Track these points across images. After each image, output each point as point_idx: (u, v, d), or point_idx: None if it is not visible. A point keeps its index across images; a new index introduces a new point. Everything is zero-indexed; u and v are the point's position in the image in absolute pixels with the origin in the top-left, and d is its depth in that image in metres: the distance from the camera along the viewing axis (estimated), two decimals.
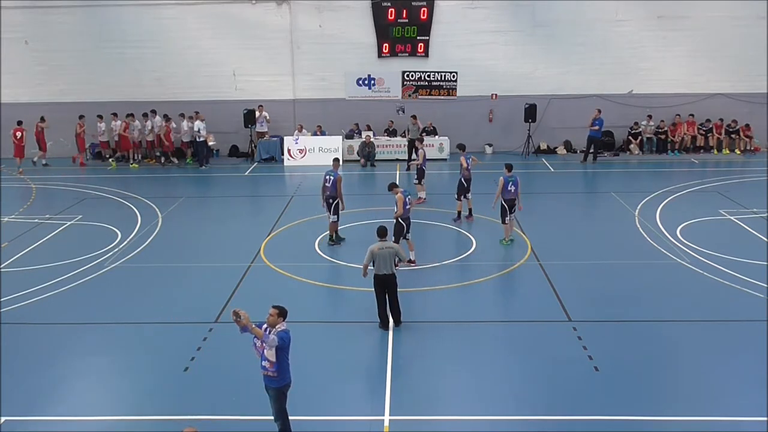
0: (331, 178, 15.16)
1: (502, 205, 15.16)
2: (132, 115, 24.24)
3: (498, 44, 24.88)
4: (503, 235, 15.39)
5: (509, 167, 15.26)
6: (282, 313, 7.87)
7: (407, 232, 14.04)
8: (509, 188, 15.01)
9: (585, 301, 12.26)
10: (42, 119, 24.24)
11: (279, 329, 7.78)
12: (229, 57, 25.09)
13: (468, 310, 12.17)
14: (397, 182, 21.21)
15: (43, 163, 24.32)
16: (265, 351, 7.77)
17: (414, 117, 23.98)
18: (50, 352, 10.70)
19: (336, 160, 15.88)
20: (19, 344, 10.94)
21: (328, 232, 15.54)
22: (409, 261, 13.68)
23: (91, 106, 25.12)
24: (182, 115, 24.43)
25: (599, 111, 23.71)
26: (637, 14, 24.43)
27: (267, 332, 7.74)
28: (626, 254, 14.56)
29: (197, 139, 23.88)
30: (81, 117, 24.39)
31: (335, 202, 15.08)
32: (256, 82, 25.35)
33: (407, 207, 13.99)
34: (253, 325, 7.61)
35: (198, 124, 23.69)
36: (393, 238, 13.72)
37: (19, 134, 23.49)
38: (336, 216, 15.18)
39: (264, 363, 7.86)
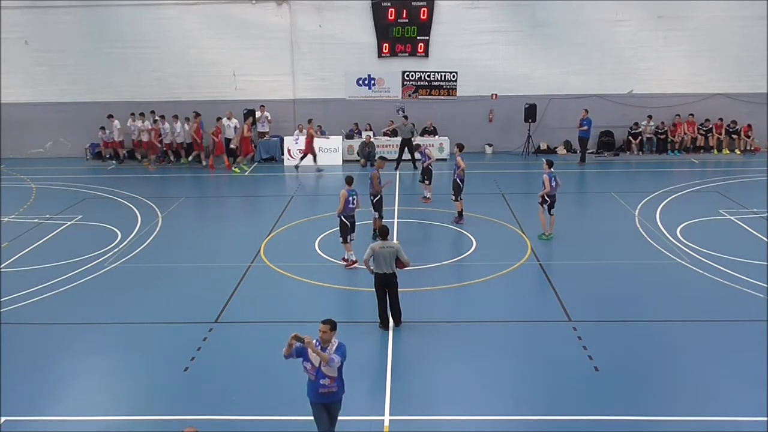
0: (371, 174, 15.42)
1: (544, 198, 15.40)
2: (228, 116, 24.13)
3: (498, 44, 24.88)
4: (542, 230, 15.63)
5: (550, 163, 15.53)
6: (334, 326, 7.41)
7: (352, 231, 13.99)
8: (552, 183, 15.31)
9: (585, 301, 12.26)
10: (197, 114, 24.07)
11: (335, 345, 7.37)
12: (229, 57, 25.10)
13: (468, 310, 12.17)
14: (397, 182, 21.34)
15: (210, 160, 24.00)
16: (323, 369, 7.32)
17: (405, 117, 23.96)
18: (50, 352, 10.70)
19: (381, 158, 16.66)
20: (19, 344, 10.94)
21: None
22: (344, 260, 14.04)
23: (90, 106, 25.19)
24: (176, 117, 24.45)
25: (586, 111, 23.63)
26: (637, 14, 24.43)
27: (323, 351, 7.34)
28: (626, 254, 14.56)
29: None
30: (219, 118, 23.85)
31: (376, 198, 15.25)
32: (256, 82, 25.35)
33: (350, 206, 13.82)
34: (316, 347, 7.24)
35: (234, 122, 23.94)
36: (341, 238, 14.01)
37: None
38: (377, 213, 15.36)
39: (323, 381, 7.39)
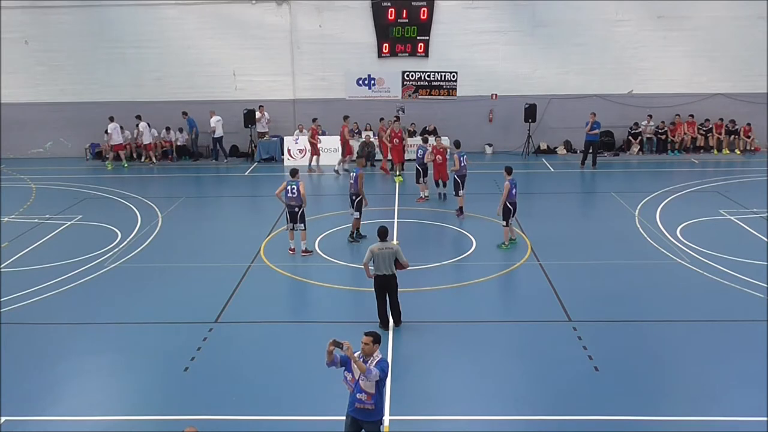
0: (353, 174, 15.49)
1: (506, 207, 14.89)
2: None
3: (498, 44, 24.88)
4: (503, 238, 15.15)
5: (510, 170, 15.06)
6: (377, 339, 7.26)
7: (293, 221, 14.57)
8: (512, 191, 14.87)
9: (585, 301, 12.26)
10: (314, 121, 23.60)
11: (377, 359, 7.19)
12: (229, 57, 25.09)
13: (468, 310, 12.17)
14: (396, 182, 21.34)
15: (344, 168, 23.02)
16: (361, 382, 7.13)
17: (382, 119, 23.91)
18: (50, 352, 10.70)
19: (360, 157, 16.65)
20: (19, 344, 10.94)
21: (349, 228, 15.88)
22: (305, 251, 14.71)
23: (90, 106, 25.19)
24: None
25: (594, 114, 23.05)
26: (637, 14, 24.43)
27: (364, 363, 7.15)
28: (626, 254, 14.55)
29: (213, 135, 24.47)
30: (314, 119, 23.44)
31: (357, 198, 15.36)
32: (256, 82, 25.35)
33: (289, 195, 14.44)
34: (356, 357, 7.06)
35: (214, 120, 24.08)
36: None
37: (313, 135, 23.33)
38: (358, 212, 15.49)
39: (360, 396, 7.17)
